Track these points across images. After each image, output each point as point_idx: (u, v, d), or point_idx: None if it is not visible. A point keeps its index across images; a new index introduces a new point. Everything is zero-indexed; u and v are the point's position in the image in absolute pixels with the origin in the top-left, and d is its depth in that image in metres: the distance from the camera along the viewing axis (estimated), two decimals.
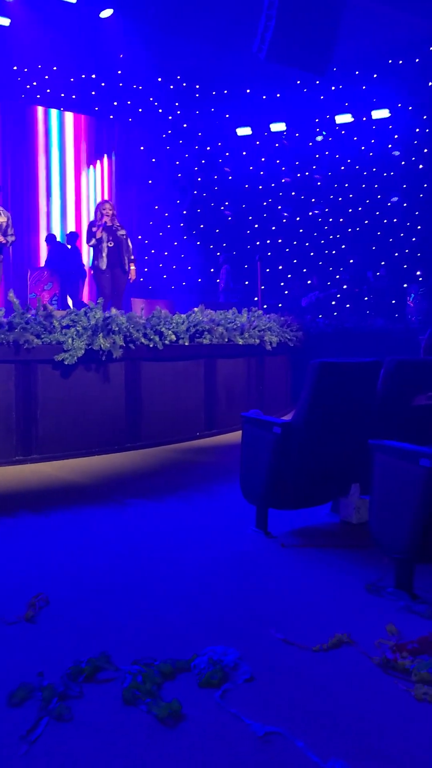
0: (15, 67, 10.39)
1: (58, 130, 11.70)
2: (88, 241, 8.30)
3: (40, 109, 11.41)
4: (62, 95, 11.28)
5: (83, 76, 11.31)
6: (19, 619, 2.43)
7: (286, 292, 13.54)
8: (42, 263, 10.99)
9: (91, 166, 12.34)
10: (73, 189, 12.04)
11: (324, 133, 13.34)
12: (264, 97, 13.05)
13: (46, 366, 5.30)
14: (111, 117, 12.23)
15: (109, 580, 2.85)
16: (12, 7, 9.33)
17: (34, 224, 11.52)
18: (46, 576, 2.87)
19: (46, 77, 10.85)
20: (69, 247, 10.89)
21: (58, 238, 11.18)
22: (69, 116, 11.79)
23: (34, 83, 10.81)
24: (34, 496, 4.30)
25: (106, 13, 9.92)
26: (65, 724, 1.82)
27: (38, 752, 1.71)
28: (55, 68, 10.71)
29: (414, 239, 12.75)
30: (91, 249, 8.36)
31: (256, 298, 10.73)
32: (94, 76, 11.44)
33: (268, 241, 13.77)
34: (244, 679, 2.06)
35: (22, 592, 2.65)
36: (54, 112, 11.60)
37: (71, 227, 11.93)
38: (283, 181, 13.60)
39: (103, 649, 2.19)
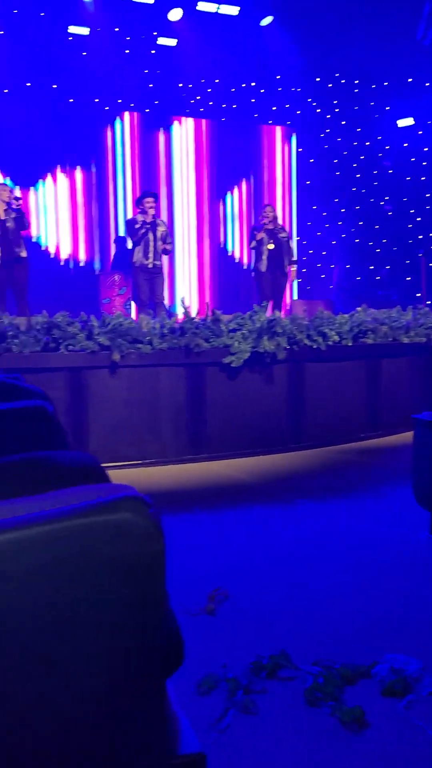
0: (180, 84, 10.86)
1: (257, 144, 12.07)
2: (249, 244, 8.45)
3: (241, 126, 11.84)
4: (223, 106, 11.60)
5: (243, 85, 11.56)
6: (200, 612, 2.54)
7: None
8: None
9: (252, 174, 12.56)
10: (238, 195, 12.31)
11: None
12: (427, 84, 12.52)
13: (214, 368, 5.48)
14: (270, 122, 12.38)
15: (282, 577, 2.90)
16: (177, 27, 9.76)
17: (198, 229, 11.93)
18: (222, 571, 2.98)
19: (209, 90, 11.21)
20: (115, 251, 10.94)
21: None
22: (265, 129, 12.12)
23: (198, 97, 11.20)
24: (206, 493, 4.47)
25: (267, 21, 10.07)
26: (251, 717, 1.88)
27: (226, 741, 1.78)
28: (217, 80, 11.03)
29: None
30: (253, 252, 8.51)
31: (418, 294, 10.31)
32: (254, 84, 11.66)
33: None
34: (429, 691, 2.00)
35: (202, 585, 2.77)
36: (255, 128, 11.96)
37: (236, 231, 12.21)
38: None
39: (280, 646, 2.23)
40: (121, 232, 11.00)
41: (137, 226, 7.64)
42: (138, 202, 7.91)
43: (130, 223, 7.87)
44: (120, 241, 10.64)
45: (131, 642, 0.54)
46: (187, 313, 5.56)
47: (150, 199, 7.65)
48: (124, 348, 5.17)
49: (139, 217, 7.68)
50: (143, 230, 7.58)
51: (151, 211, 7.57)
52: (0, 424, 1.21)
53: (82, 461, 0.72)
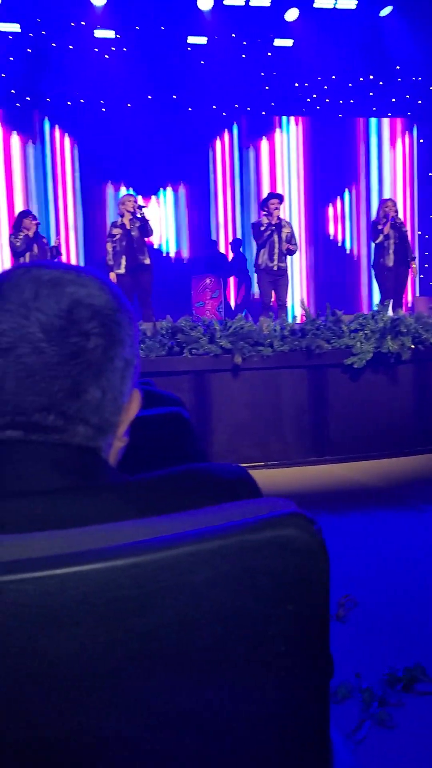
0: (296, 84, 10.81)
1: (377, 138, 11.92)
2: (373, 239, 8.23)
3: (360, 121, 11.72)
4: (340, 102, 11.43)
5: (361, 79, 11.33)
6: (330, 618, 2.52)
7: None
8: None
9: (368, 167, 12.28)
10: (354, 193, 12.10)
11: None
12: None
13: (336, 370, 5.41)
14: (389, 115, 12.05)
15: (412, 586, 2.81)
16: (294, 26, 9.72)
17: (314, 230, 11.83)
18: (349, 577, 2.93)
19: (326, 87, 11.08)
20: (233, 255, 10.81)
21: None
22: (385, 122, 11.92)
23: (314, 95, 11.10)
24: (330, 496, 4.42)
25: (386, 11, 9.81)
26: (388, 730, 1.84)
27: (362, 753, 1.75)
28: (334, 77, 10.88)
29: None
30: (374, 247, 8.29)
31: None
32: (372, 77, 11.39)
33: None
34: None
35: (330, 591, 2.74)
36: (373, 121, 11.81)
37: (353, 228, 12.00)
38: None
39: (415, 658, 2.17)
40: (239, 235, 11.13)
41: (262, 228, 7.66)
42: (263, 205, 7.92)
43: (255, 226, 7.89)
44: (236, 244, 10.75)
45: (297, 661, 0.54)
46: (307, 315, 5.53)
47: (275, 201, 7.64)
48: (246, 351, 5.22)
49: (264, 219, 7.69)
50: (268, 232, 7.59)
51: (276, 213, 7.56)
52: (140, 432, 1.24)
53: (236, 473, 0.73)
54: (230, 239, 11.18)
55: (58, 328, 0.65)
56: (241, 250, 10.71)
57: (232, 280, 10.68)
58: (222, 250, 10.96)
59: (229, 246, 10.88)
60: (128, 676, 0.51)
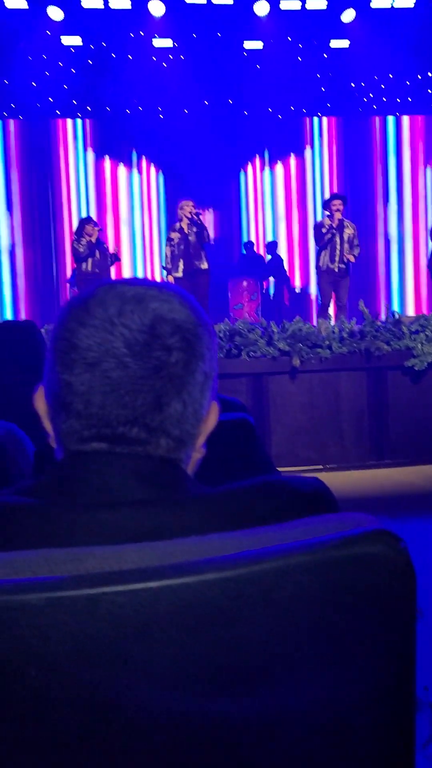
0: (353, 84, 10.70)
1: (395, 136, 11.70)
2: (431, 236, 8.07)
3: (376, 119, 11.55)
4: (397, 100, 11.25)
5: (419, 77, 11.12)
6: None
7: None
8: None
9: (428, 166, 12.04)
10: (410, 191, 11.89)
11: None
12: None
13: (396, 372, 5.33)
14: None
15: None
16: (350, 27, 9.64)
17: (371, 230, 11.66)
18: None
19: (383, 86, 10.93)
20: (269, 257, 10.64)
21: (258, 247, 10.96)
22: (405, 120, 11.70)
23: (371, 95, 10.96)
24: (389, 501, 4.35)
25: None
26: None
27: None
28: (390, 75, 10.72)
29: None
30: None
31: None
32: (430, 74, 11.17)
33: None
34: None
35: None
36: (390, 119, 11.64)
37: (408, 229, 11.79)
38: None
39: None
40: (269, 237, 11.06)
41: (324, 230, 7.60)
42: (325, 205, 7.84)
43: (317, 227, 7.83)
44: (271, 246, 10.71)
45: (382, 676, 0.55)
46: (366, 316, 5.46)
47: (337, 202, 7.55)
48: (304, 353, 5.20)
49: (326, 221, 7.63)
50: (330, 234, 7.53)
51: (338, 215, 7.49)
52: (209, 438, 1.25)
53: (314, 486, 0.74)
54: (295, 236, 11.13)
55: (142, 343, 0.68)
56: (276, 251, 10.70)
57: (270, 281, 10.65)
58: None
59: (265, 248, 10.86)
60: (216, 689, 0.52)
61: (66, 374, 0.69)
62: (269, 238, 11.14)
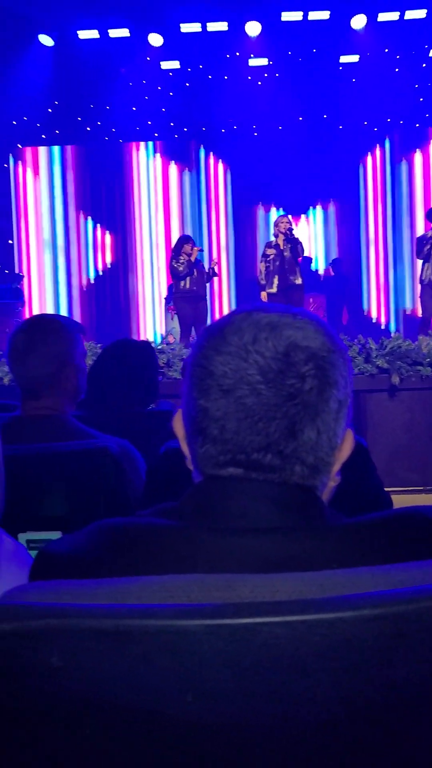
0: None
1: None
2: None
3: None
4: None
5: None
6: None
7: None
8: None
9: None
10: None
11: None
12: None
13: None
14: None
15: None
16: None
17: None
18: None
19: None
20: (332, 273, 10.25)
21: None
22: None
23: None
24: None
25: None
26: None
27: None
28: (416, 85, 10.35)
29: None
30: None
31: None
32: None
33: None
34: None
35: None
36: None
37: None
38: None
39: None
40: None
41: (425, 242, 7.42)
42: (429, 216, 7.64)
43: (419, 240, 7.66)
44: (335, 264, 10.52)
45: None
46: None
47: None
48: (404, 370, 5.06)
49: (429, 233, 7.45)
50: (428, 246, 7.33)
51: None
52: None
53: None
54: (381, 255, 10.93)
55: (276, 371, 0.68)
56: (341, 269, 10.52)
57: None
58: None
59: (331, 265, 10.69)
60: (368, 727, 0.51)
61: (202, 400, 0.71)
62: (362, 252, 10.99)
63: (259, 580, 0.56)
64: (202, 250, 7.63)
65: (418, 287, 7.86)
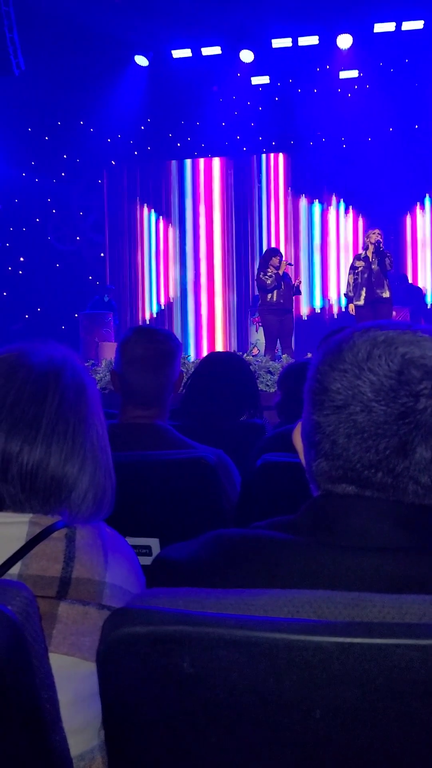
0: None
1: None
2: None
3: None
4: None
5: None
6: None
7: None
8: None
9: None
10: None
11: None
12: None
13: None
14: None
15: None
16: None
17: None
18: None
19: None
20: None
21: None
22: None
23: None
24: None
25: None
26: None
27: None
28: None
29: None
30: None
31: None
32: None
33: None
34: None
35: None
36: None
37: None
38: None
39: None
40: None
41: None
42: None
43: None
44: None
45: None
46: None
47: None
48: None
49: None
50: None
51: None
52: None
53: None
54: None
55: (388, 388, 0.67)
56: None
57: None
58: None
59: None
60: None
61: (316, 415, 0.71)
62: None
63: (387, 600, 0.55)
64: (291, 264, 7.59)
65: None
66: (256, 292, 7.81)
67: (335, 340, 0.75)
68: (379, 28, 8.78)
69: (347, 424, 0.69)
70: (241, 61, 9.19)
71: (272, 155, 10.67)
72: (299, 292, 7.61)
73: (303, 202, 10.74)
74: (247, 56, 9.08)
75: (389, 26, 8.75)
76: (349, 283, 7.33)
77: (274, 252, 7.32)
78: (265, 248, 9.44)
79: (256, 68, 9.35)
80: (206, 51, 9.17)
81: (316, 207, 10.75)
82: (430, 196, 10.60)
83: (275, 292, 7.02)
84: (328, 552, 0.66)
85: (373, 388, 0.68)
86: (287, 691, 0.51)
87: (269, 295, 7.10)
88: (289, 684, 0.51)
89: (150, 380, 1.65)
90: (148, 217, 11.08)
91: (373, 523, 0.67)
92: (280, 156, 10.59)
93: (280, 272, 7.05)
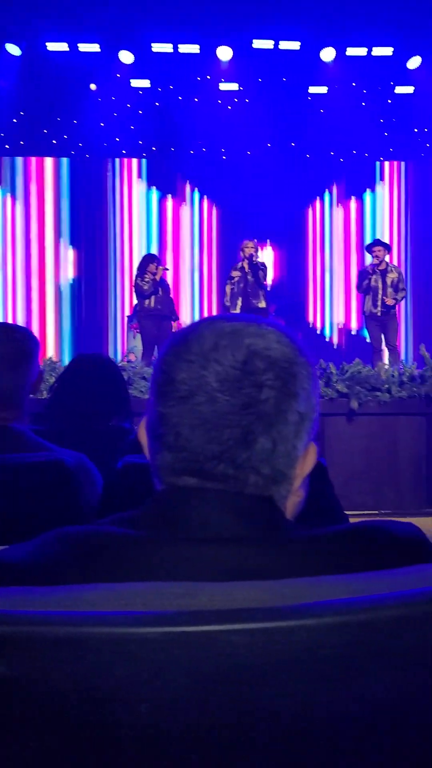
0: (416, 129, 10.75)
1: None
2: None
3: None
4: None
5: None
6: None
7: None
8: None
9: None
10: None
11: None
12: None
13: None
14: None
15: None
16: (415, 74, 9.73)
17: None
18: None
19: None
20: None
21: None
22: None
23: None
24: None
25: None
26: None
27: None
28: (381, 120, 10.73)
29: None
30: None
31: None
32: None
33: None
34: None
35: None
36: None
37: None
38: None
39: None
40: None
41: (365, 275, 7.67)
42: (368, 249, 7.91)
43: (360, 274, 7.92)
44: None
45: None
46: (427, 360, 5.37)
47: (379, 248, 7.63)
48: (362, 396, 5.13)
49: (369, 267, 7.71)
50: (367, 280, 7.59)
51: (381, 259, 7.54)
52: None
53: (414, 533, 0.72)
54: (344, 282, 11.17)
55: (233, 379, 0.67)
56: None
57: None
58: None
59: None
60: (326, 740, 0.51)
61: (160, 406, 0.70)
62: (327, 279, 11.19)
63: (217, 588, 0.55)
64: (167, 269, 7.64)
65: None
66: (135, 299, 7.78)
67: (181, 332, 0.74)
68: (258, 44, 9.04)
69: (192, 414, 0.68)
70: (121, 62, 9.11)
71: (151, 161, 10.68)
72: (167, 285, 7.59)
73: (183, 210, 10.86)
74: (126, 57, 9.02)
75: (268, 43, 9.03)
76: (226, 293, 7.49)
77: (152, 258, 7.34)
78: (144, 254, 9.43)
79: (136, 71, 9.31)
80: (83, 47, 9.00)
81: (196, 216, 10.90)
82: (306, 213, 11.06)
83: (153, 297, 7.03)
84: (167, 545, 0.64)
85: (218, 377, 0.67)
86: (114, 686, 0.49)
87: (147, 301, 7.10)
88: (115, 679, 0.49)
89: (6, 380, 1.57)
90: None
91: (213, 514, 0.67)
92: (154, 162, 10.63)
93: (157, 278, 7.06)
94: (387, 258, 7.80)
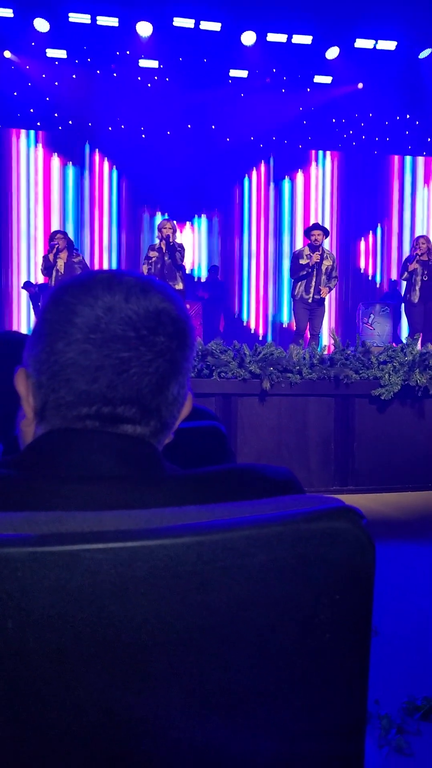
0: (333, 119, 10.98)
1: (411, 176, 11.93)
2: (401, 275, 8.29)
3: (396, 158, 11.86)
4: (376, 139, 11.55)
5: (398, 117, 11.45)
6: None
7: None
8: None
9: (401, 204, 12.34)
10: (387, 226, 12.15)
11: None
12: None
13: (363, 400, 5.42)
14: (424, 153, 12.13)
15: (431, 619, 2.79)
16: (334, 64, 9.92)
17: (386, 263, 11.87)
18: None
19: (362, 124, 11.23)
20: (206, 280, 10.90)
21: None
22: (420, 161, 11.99)
23: (351, 132, 11.24)
24: None
25: (426, 53, 9.97)
26: (406, 758, 1.83)
27: None
28: (371, 115, 11.03)
29: None
30: (404, 282, 8.33)
31: None
32: (408, 116, 11.51)
33: None
34: None
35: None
36: (408, 159, 11.95)
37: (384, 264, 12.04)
38: None
39: None
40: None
41: (302, 261, 7.62)
42: (307, 233, 7.84)
43: (295, 256, 7.82)
44: (213, 270, 10.70)
45: (342, 648, 0.57)
46: (336, 344, 5.56)
47: (318, 231, 7.59)
48: (274, 377, 5.26)
49: (305, 250, 7.69)
50: (306, 270, 7.59)
51: (317, 244, 7.53)
52: (180, 441, 1.29)
53: (286, 475, 0.77)
54: (261, 269, 11.31)
55: (149, 328, 0.71)
56: (217, 277, 10.78)
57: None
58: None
59: (207, 272, 10.95)
60: (185, 650, 0.55)
61: (71, 352, 0.70)
62: (245, 262, 11.31)
63: (88, 515, 0.57)
64: (70, 242, 7.45)
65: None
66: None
67: (79, 280, 0.75)
68: (179, 22, 8.96)
69: (111, 361, 0.69)
70: (36, 30, 8.83)
71: (65, 133, 10.36)
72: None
73: (105, 189, 10.66)
74: (42, 25, 8.75)
75: (189, 22, 8.97)
76: (143, 273, 7.44)
77: (55, 234, 7.20)
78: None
79: (51, 40, 9.04)
80: None
81: (114, 194, 10.74)
82: (223, 198, 11.08)
83: (53, 271, 6.91)
84: (44, 483, 0.66)
85: (135, 326, 0.70)
86: None
87: (55, 272, 6.97)
88: None
89: None
90: None
91: (96, 455, 0.69)
92: (69, 134, 10.36)
93: (62, 248, 6.93)
94: (326, 244, 7.86)
